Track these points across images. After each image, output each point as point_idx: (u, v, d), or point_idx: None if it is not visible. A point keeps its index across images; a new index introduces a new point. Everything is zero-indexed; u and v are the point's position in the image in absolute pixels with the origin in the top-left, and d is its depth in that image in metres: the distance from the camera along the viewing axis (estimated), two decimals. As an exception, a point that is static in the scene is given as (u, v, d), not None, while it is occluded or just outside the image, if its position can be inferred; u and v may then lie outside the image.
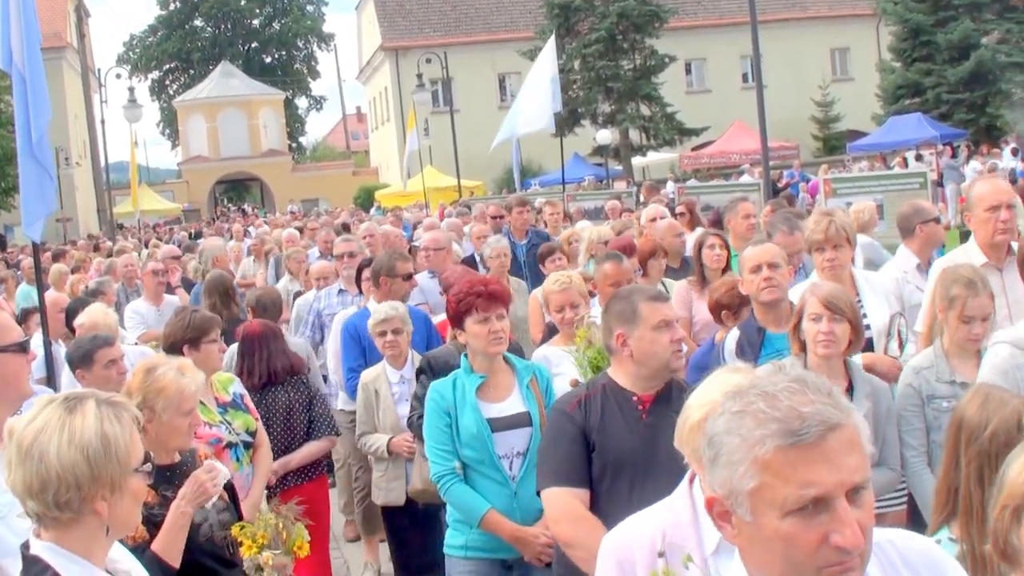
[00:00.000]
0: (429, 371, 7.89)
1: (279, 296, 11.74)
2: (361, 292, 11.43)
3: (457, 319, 6.85)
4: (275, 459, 8.24)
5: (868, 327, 7.74)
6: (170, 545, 5.19)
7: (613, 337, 5.57)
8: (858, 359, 7.01)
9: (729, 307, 8.43)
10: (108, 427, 3.43)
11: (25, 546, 3.49)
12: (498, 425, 6.65)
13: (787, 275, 7.75)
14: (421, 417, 7.36)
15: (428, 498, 7.90)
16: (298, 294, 14.49)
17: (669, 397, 5.51)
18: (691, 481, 4.19)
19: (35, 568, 3.40)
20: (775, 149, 40.25)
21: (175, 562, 5.19)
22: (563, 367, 7.83)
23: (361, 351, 9.96)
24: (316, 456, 8.79)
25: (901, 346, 7.69)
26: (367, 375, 9.02)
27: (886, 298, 8.25)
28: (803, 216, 12.98)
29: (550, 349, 8.44)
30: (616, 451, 5.40)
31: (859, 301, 7.86)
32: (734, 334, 7.71)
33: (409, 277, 10.44)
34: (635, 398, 5.53)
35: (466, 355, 6.90)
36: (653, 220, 14.31)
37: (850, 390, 6.39)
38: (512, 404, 6.79)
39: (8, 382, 4.64)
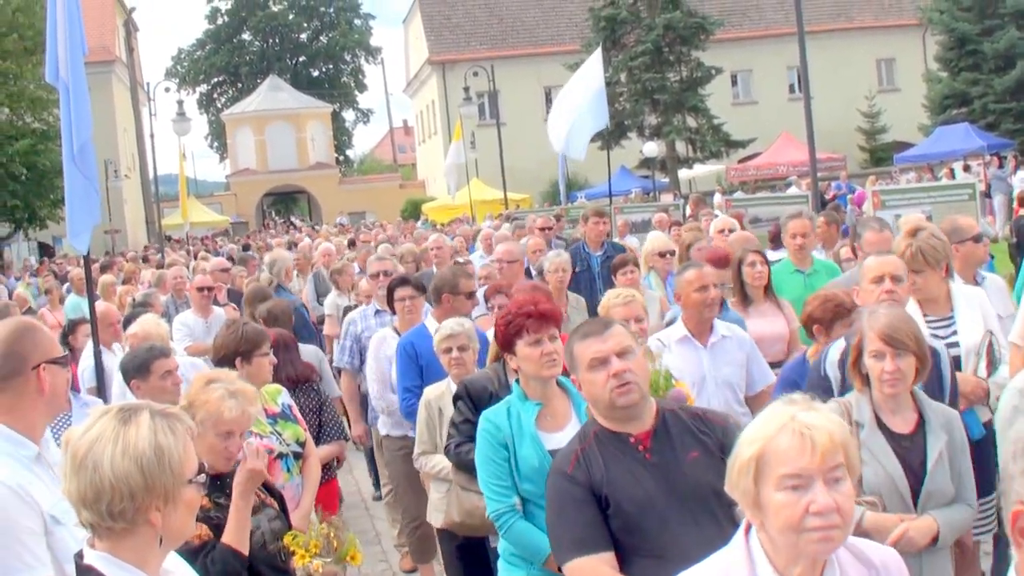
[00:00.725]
0: (467, 397, 7.49)
1: (288, 306, 11.73)
2: (394, 312, 10.66)
3: (507, 342, 6.38)
4: None
5: (956, 344, 7.63)
6: (239, 535, 5.31)
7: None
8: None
9: (822, 321, 7.88)
10: (162, 438, 3.46)
11: (79, 555, 3.51)
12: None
13: (908, 290, 7.40)
14: (460, 445, 7.31)
15: (467, 531, 7.68)
16: (348, 308, 13.91)
17: (667, 430, 5.21)
18: (747, 531, 3.79)
19: None
20: (822, 161, 40.04)
21: (246, 550, 5.31)
22: None
23: (418, 371, 9.41)
24: (326, 459, 8.92)
25: (990, 366, 7.47)
26: (431, 392, 8.46)
27: (983, 314, 7.89)
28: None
29: None
30: (631, 502, 5.02)
31: (951, 317, 7.80)
32: (839, 346, 7.03)
33: (471, 295, 10.00)
34: (631, 439, 5.16)
35: (518, 381, 6.41)
36: (722, 232, 13.88)
37: (921, 423, 5.95)
38: (572, 433, 5.99)
39: (57, 393, 4.87)
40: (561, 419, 6.30)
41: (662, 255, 13.11)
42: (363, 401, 11.68)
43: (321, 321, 16.31)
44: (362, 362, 11.33)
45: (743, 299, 10.13)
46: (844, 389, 6.54)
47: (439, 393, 8.34)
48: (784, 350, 9.92)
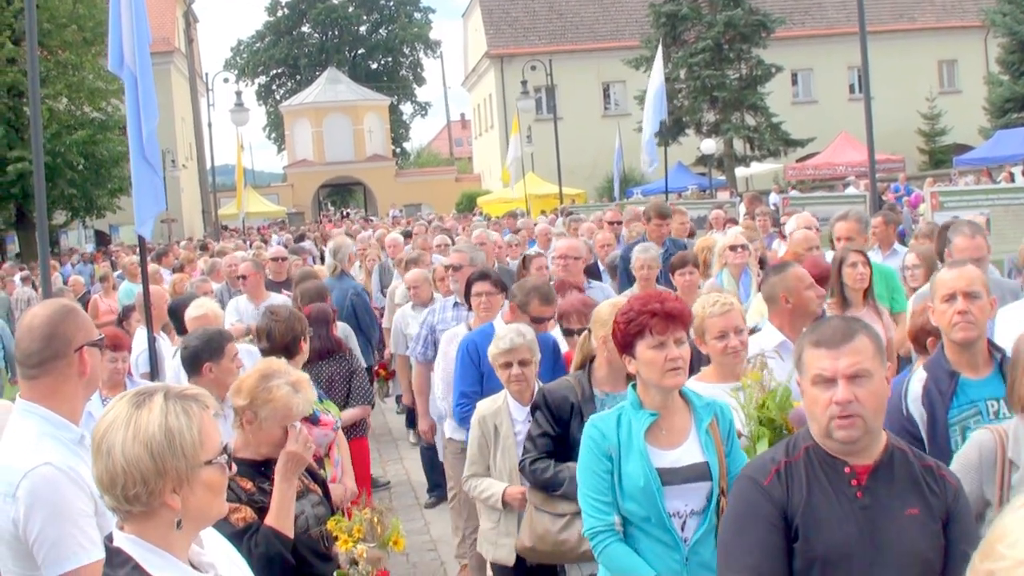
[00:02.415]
0: (545, 408, 6.94)
1: (323, 287, 12.73)
2: (471, 308, 10.05)
3: (626, 343, 5.65)
4: None
5: None
6: (282, 518, 5.31)
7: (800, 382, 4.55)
8: None
9: (937, 335, 6.64)
10: (173, 421, 3.43)
11: (108, 538, 3.51)
12: (671, 477, 5.51)
13: (986, 308, 6.27)
14: (536, 461, 6.87)
15: (538, 558, 7.06)
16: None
17: (891, 472, 4.39)
18: None
19: (118, 559, 3.41)
20: (881, 162, 39.73)
21: (290, 532, 5.32)
22: None
23: (478, 376, 8.96)
24: (354, 420, 10.32)
25: None
26: (485, 407, 7.79)
27: None
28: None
29: (699, 386, 6.74)
30: (828, 543, 4.27)
31: None
32: (920, 376, 6.34)
33: (541, 322, 8.91)
34: (847, 469, 4.36)
35: (634, 386, 5.73)
36: (807, 230, 12.66)
37: None
38: (688, 452, 5.60)
39: (95, 376, 4.96)
40: (678, 434, 5.64)
41: (733, 248, 12.23)
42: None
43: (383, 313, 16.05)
44: (436, 354, 10.72)
45: (841, 302, 9.59)
46: (933, 428, 6.02)
47: (494, 409, 7.72)
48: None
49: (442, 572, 10.95)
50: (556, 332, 9.24)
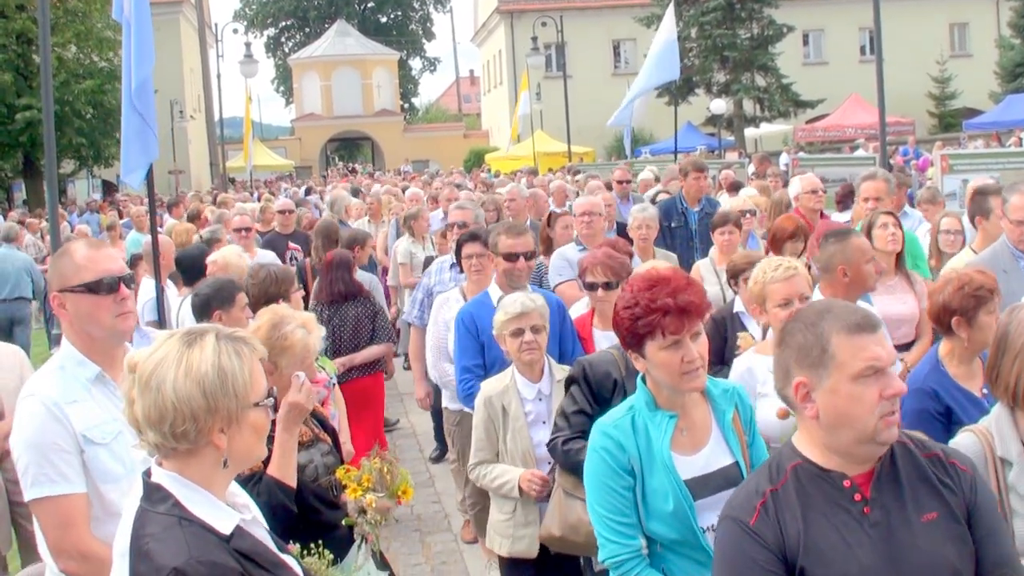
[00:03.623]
0: (584, 383, 6.17)
1: (335, 229, 13.63)
2: (462, 270, 9.49)
3: (634, 341, 4.79)
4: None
5: None
6: (284, 468, 5.31)
7: (790, 385, 3.76)
8: None
9: (962, 312, 6.12)
10: (225, 361, 3.47)
11: (147, 473, 3.54)
12: (701, 489, 4.73)
13: None
14: (570, 441, 6.13)
15: (567, 548, 6.41)
16: (430, 259, 13.23)
17: (895, 474, 3.78)
18: None
19: (157, 495, 3.45)
20: (891, 125, 39.55)
21: (292, 482, 5.32)
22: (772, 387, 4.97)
23: (479, 348, 8.25)
24: (376, 356, 11.18)
25: None
26: (491, 387, 7.05)
27: None
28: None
29: (756, 359, 6.52)
30: None
31: None
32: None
33: (515, 258, 8.36)
34: (847, 483, 3.73)
35: (643, 380, 4.90)
36: (814, 193, 12.32)
37: None
38: (714, 454, 4.84)
39: (82, 318, 4.96)
40: (700, 433, 4.86)
41: (742, 213, 11.71)
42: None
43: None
44: None
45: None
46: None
47: (502, 388, 6.99)
48: (912, 333, 8.82)
49: (446, 524, 10.99)
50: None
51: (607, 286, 7.68)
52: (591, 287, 7.93)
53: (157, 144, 9.70)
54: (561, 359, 7.54)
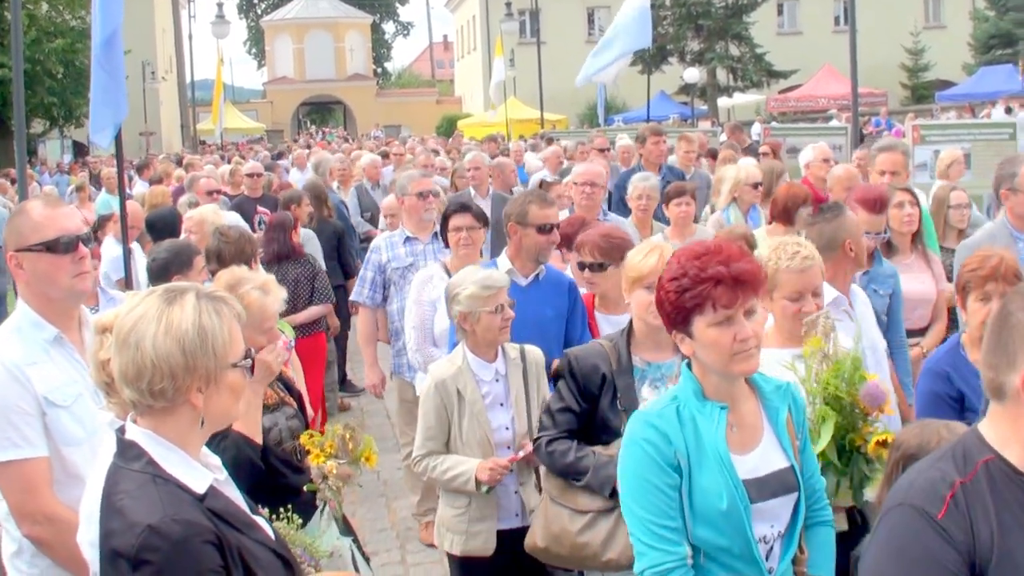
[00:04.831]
0: (571, 377, 5.70)
1: (323, 186, 14.24)
2: (447, 244, 8.79)
3: (678, 318, 4.24)
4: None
5: None
6: (251, 425, 5.29)
7: (1015, 372, 3.06)
8: None
9: (960, 290, 5.95)
10: (206, 319, 3.46)
11: (120, 430, 3.53)
12: (756, 492, 4.23)
13: None
14: (555, 441, 5.71)
15: (552, 560, 5.90)
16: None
17: None
18: None
19: (131, 452, 3.45)
20: (863, 95, 39.60)
21: (258, 438, 5.32)
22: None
23: None
24: (315, 317, 11.39)
25: None
26: (442, 370, 6.53)
27: None
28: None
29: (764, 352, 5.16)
30: None
31: None
32: None
33: (549, 230, 7.63)
34: None
35: (688, 365, 4.37)
36: (826, 162, 12.01)
37: None
38: (767, 454, 4.33)
39: (40, 278, 4.87)
40: (751, 431, 4.35)
41: (755, 186, 11.34)
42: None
43: (366, 239, 15.30)
44: (385, 298, 9.83)
45: (886, 248, 8.35)
46: None
47: (454, 371, 6.46)
48: (929, 315, 8.62)
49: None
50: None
51: (597, 267, 7.19)
52: (581, 267, 7.41)
53: (126, 103, 9.62)
54: (568, 340, 7.23)
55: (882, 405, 5.09)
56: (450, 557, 6.63)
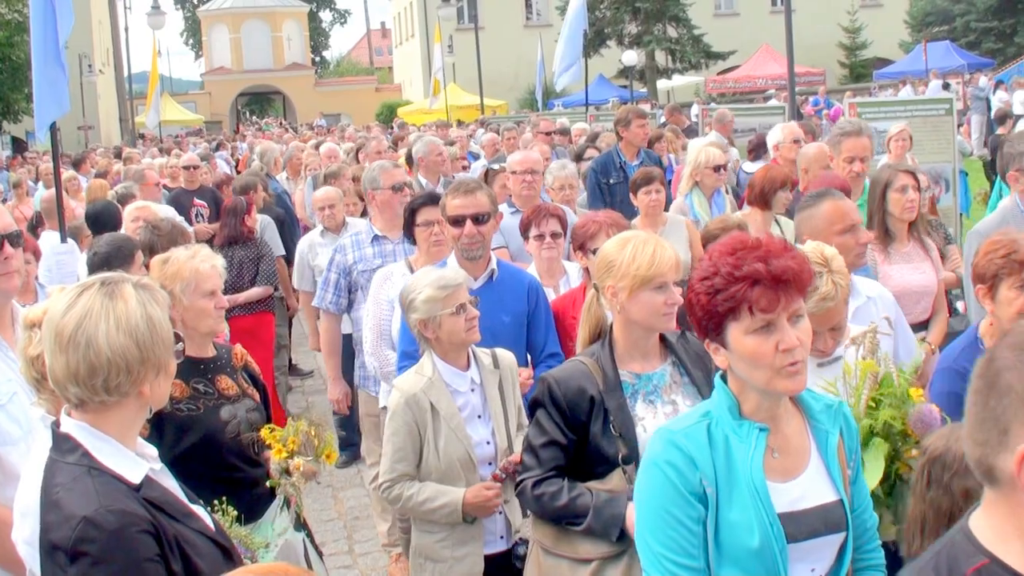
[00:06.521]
0: (552, 405, 4.84)
1: (251, 181, 13.97)
2: (414, 241, 7.74)
3: (712, 323, 3.60)
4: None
5: None
6: None
7: (1008, 451, 2.39)
8: None
9: (984, 280, 5.26)
10: (152, 310, 3.47)
11: (55, 424, 3.52)
12: (795, 528, 3.59)
13: None
14: (542, 483, 4.85)
15: None
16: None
17: None
18: None
19: (66, 445, 3.44)
20: (801, 75, 39.91)
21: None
22: None
23: None
24: (257, 297, 11.77)
25: None
26: (410, 384, 5.75)
27: None
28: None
29: None
30: None
31: None
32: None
33: (462, 221, 6.83)
34: None
35: (723, 378, 3.73)
36: (796, 143, 11.71)
37: None
38: (814, 485, 3.68)
39: None
40: (795, 459, 3.70)
41: (716, 169, 10.82)
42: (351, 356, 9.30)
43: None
44: (351, 303, 8.92)
45: (883, 236, 7.59)
46: None
47: (425, 382, 5.73)
48: (930, 308, 7.71)
49: (359, 479, 10.96)
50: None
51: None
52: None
53: (68, 97, 9.55)
54: (531, 351, 6.71)
55: (934, 429, 4.28)
56: None
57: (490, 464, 5.74)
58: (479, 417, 5.75)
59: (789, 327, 3.47)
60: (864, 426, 4.39)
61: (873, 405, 4.50)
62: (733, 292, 3.46)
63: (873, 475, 4.30)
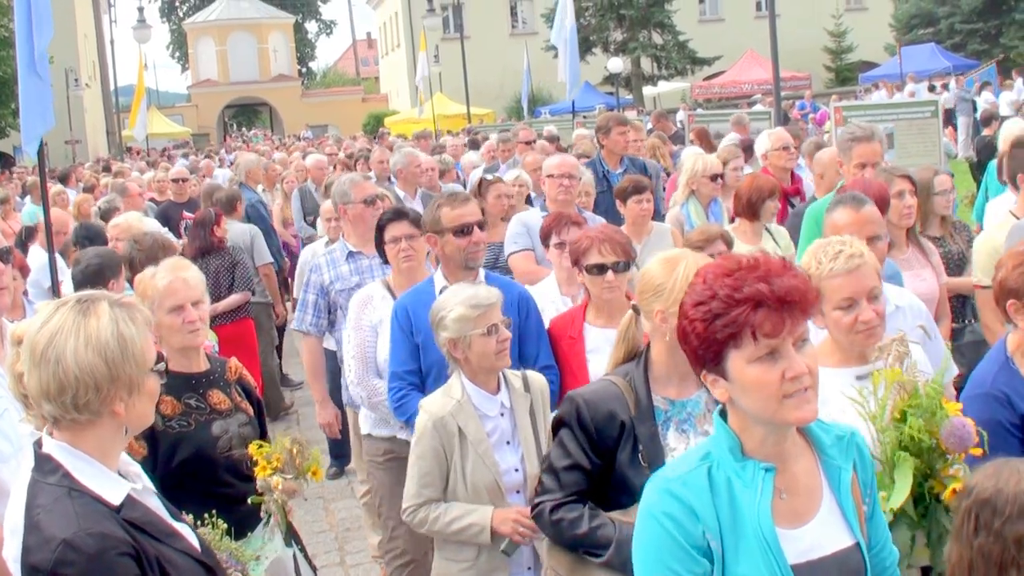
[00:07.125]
0: (579, 428, 4.58)
1: (226, 194, 13.96)
2: (386, 260, 7.51)
3: (711, 354, 3.24)
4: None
5: None
6: None
7: None
8: None
9: (1019, 295, 4.91)
10: (124, 328, 3.44)
11: (38, 443, 3.51)
12: None
13: None
14: (562, 507, 4.62)
15: None
16: None
17: None
18: None
19: (48, 466, 3.43)
20: (787, 79, 39.99)
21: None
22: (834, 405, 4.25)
23: (414, 350, 6.60)
24: (236, 304, 11.97)
25: None
26: (438, 406, 5.51)
27: None
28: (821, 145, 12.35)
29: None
30: None
31: None
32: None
33: (468, 230, 6.73)
34: None
35: (722, 415, 3.38)
36: (785, 150, 11.50)
37: None
38: (827, 530, 3.35)
39: None
40: (805, 501, 3.36)
41: (714, 179, 10.69)
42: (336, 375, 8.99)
43: (311, 239, 14.36)
44: (332, 323, 8.64)
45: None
46: None
47: (454, 405, 5.50)
48: (934, 313, 7.13)
49: (350, 491, 10.92)
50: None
51: (623, 267, 6.28)
52: (599, 270, 6.28)
53: (52, 112, 9.54)
54: (523, 363, 6.34)
55: (968, 447, 4.18)
56: None
57: (518, 492, 5.51)
58: (508, 443, 5.53)
59: (795, 353, 3.14)
60: (891, 439, 4.16)
61: (899, 417, 4.22)
62: (734, 316, 3.12)
63: (900, 494, 4.09)
